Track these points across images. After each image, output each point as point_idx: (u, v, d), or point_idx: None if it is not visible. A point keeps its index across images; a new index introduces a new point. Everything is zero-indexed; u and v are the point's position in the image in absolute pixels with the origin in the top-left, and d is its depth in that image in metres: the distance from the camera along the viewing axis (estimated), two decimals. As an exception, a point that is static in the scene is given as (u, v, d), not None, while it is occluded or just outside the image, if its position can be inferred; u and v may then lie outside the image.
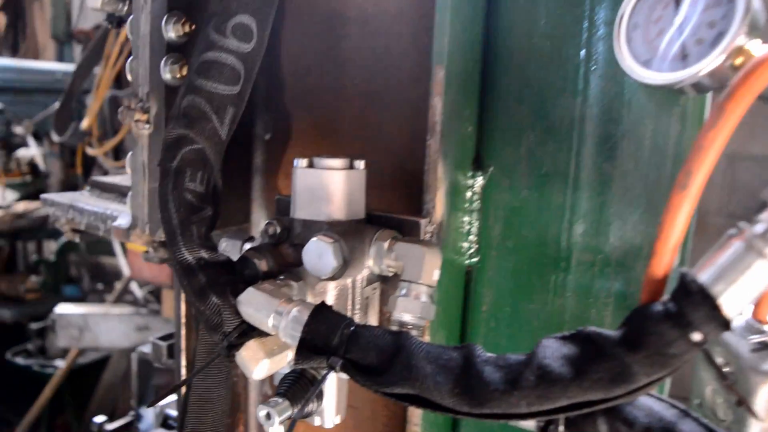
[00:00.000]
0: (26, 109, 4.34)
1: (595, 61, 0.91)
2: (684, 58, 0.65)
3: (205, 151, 0.83)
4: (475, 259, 1.00)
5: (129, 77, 1.05)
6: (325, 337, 0.69)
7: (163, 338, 1.46)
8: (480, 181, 0.98)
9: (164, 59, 0.97)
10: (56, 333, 3.32)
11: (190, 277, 0.78)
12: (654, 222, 0.92)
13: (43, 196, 1.36)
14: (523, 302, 0.99)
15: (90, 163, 3.72)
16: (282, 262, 0.85)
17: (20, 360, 4.18)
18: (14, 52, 6.03)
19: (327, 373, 0.67)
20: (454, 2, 0.86)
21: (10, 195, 4.42)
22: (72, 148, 3.95)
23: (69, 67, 4.73)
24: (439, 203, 0.89)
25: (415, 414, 0.96)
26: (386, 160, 1.08)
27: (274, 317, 0.73)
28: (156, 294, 3.52)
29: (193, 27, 0.98)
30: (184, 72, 0.98)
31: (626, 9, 0.70)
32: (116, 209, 1.24)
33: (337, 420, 0.91)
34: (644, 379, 0.60)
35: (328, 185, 0.84)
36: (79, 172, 3.70)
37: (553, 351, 0.64)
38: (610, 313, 0.96)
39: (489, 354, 0.67)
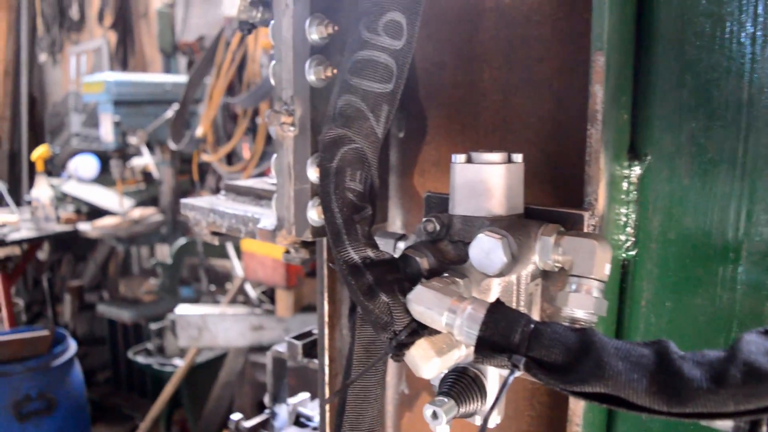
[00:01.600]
0: (139, 120, 4.59)
1: (765, 39, 0.85)
2: None
3: (363, 150, 0.84)
4: (632, 252, 0.96)
5: (272, 81, 1.08)
6: (505, 335, 0.68)
7: (297, 337, 1.49)
8: (637, 170, 0.93)
9: (308, 61, 0.98)
10: (176, 333, 3.48)
11: (357, 276, 0.78)
12: (840, 208, 0.85)
13: (183, 201, 1.42)
14: (687, 297, 0.94)
15: (204, 170, 3.89)
16: (442, 259, 0.84)
17: (141, 359, 4.43)
18: (124, 66, 6.40)
19: (511, 373, 0.66)
20: (613, -15, 0.83)
21: (127, 202, 4.69)
22: (184, 156, 4.14)
23: (176, 78, 4.96)
24: (601, 195, 0.86)
25: (577, 414, 0.92)
26: (528, 153, 1.05)
27: (447, 315, 0.72)
28: (269, 294, 3.64)
29: (336, 28, 0.99)
30: (329, 73, 0.99)
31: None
32: (255, 212, 1.28)
33: (498, 420, 0.90)
34: None
35: (488, 180, 0.82)
36: (195, 178, 3.87)
37: (759, 346, 0.60)
38: (788, 307, 0.89)
39: (681, 351, 0.64)
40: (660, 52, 0.90)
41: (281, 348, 1.53)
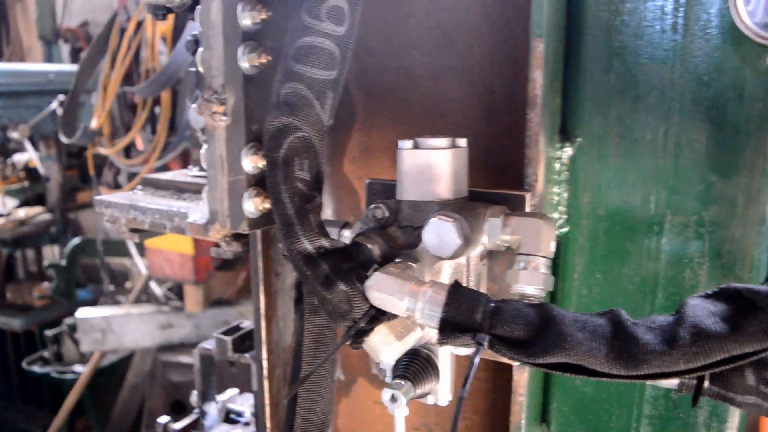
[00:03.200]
0: (20, 113, 4.26)
1: (685, 25, 0.91)
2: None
3: (310, 138, 0.82)
4: (565, 229, 1.01)
5: (200, 68, 1.03)
6: (468, 315, 0.70)
7: (226, 333, 1.46)
8: (569, 152, 0.98)
9: (241, 48, 0.95)
10: (78, 337, 3.29)
11: (313, 266, 0.77)
12: (747, 180, 0.93)
13: (98, 198, 1.34)
14: (616, 268, 1.00)
15: (99, 164, 3.68)
16: (393, 245, 0.84)
17: (37, 368, 4.15)
18: (-1, 56, 5.91)
19: (478, 351, 0.68)
20: (547, -27, 0.86)
21: (10, 202, 4.35)
22: (72, 150, 3.89)
23: (59, 67, 4.64)
24: (540, 176, 0.89)
25: (521, 384, 0.96)
26: (461, 136, 1.07)
27: (408, 300, 0.73)
28: (176, 291, 3.51)
29: (269, 13, 0.96)
30: (263, 60, 0.97)
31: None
32: (180, 206, 1.23)
33: (450, 397, 0.92)
34: (798, 330, 0.61)
35: (436, 165, 0.83)
36: (91, 172, 3.64)
37: (702, 309, 0.66)
38: (705, 273, 0.97)
39: (633, 318, 0.68)
40: (590, 39, 0.94)
41: (208, 345, 1.49)
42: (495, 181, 1.06)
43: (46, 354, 4.16)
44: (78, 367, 3.90)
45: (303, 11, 0.83)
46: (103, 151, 3.21)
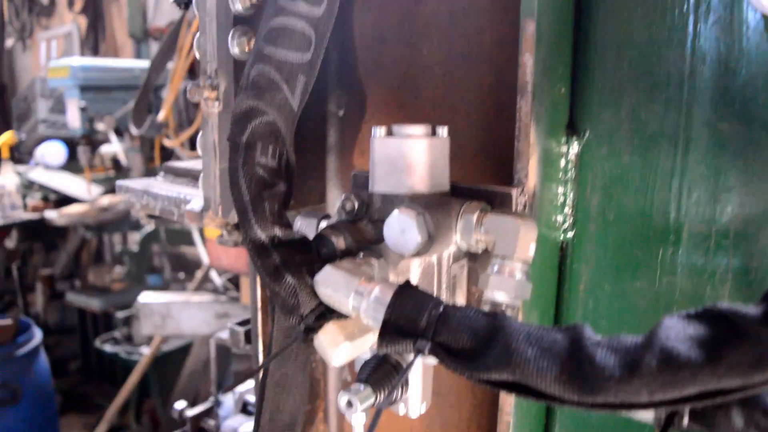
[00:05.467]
0: (107, 106, 4.48)
1: (707, 7, 0.80)
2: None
3: (276, 123, 0.78)
4: (570, 234, 0.91)
5: (197, 55, 1.02)
6: (412, 319, 0.63)
7: (241, 323, 1.44)
8: (575, 147, 0.88)
9: (231, 32, 0.92)
10: (140, 321, 3.41)
11: (264, 256, 0.73)
12: (782, 186, 0.81)
13: (119, 182, 1.35)
14: (626, 280, 0.89)
15: (168, 155, 3.80)
16: (361, 239, 0.78)
17: (108, 347, 4.35)
18: (95, 52, 6.26)
19: (414, 358, 0.61)
20: (544, -55, 0.77)
21: (96, 189, 4.58)
22: (151, 141, 4.05)
23: (146, 63, 4.85)
24: (531, 172, 0.80)
25: (508, 402, 0.88)
26: (471, 129, 1.00)
27: (354, 297, 0.67)
28: (235, 282, 3.57)
29: (261, -2, 0.93)
30: (253, 45, 0.93)
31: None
32: (189, 193, 1.22)
33: (423, 409, 0.85)
34: (793, 363, 0.51)
35: (409, 155, 0.76)
36: (157, 163, 3.78)
37: (678, 332, 0.55)
38: (728, 292, 0.84)
39: (599, 336, 0.59)
40: (599, 22, 0.85)
41: (224, 335, 1.47)
42: (503, 177, 0.98)
43: (117, 334, 4.36)
44: (145, 349, 4.05)
45: (278, -11, 0.78)
46: (167, 143, 3.32)
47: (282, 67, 0.78)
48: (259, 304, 1.15)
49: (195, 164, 1.41)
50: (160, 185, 1.32)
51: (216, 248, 2.98)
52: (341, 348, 0.70)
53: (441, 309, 0.62)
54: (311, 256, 0.73)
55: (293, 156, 0.81)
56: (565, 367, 0.56)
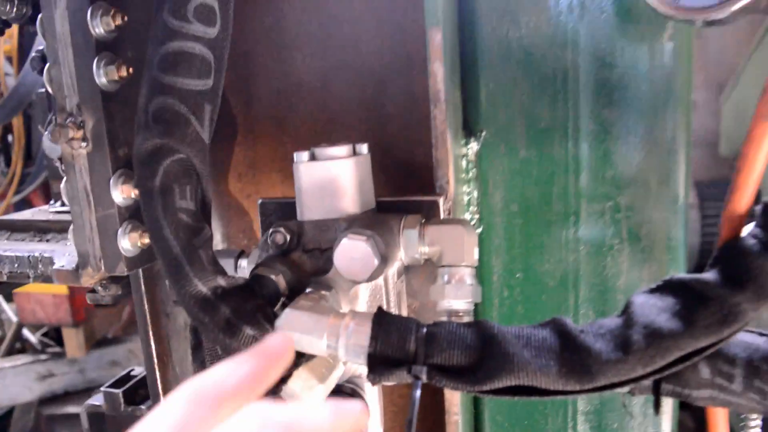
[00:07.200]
0: None
1: (582, 7, 0.87)
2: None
3: (190, 160, 0.70)
4: (479, 230, 0.94)
5: (49, 89, 0.88)
6: (399, 346, 0.61)
7: (115, 384, 1.28)
8: (474, 147, 0.92)
9: (96, 60, 0.81)
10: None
11: (210, 311, 0.65)
12: (657, 161, 0.91)
13: (-61, 250, 1.13)
14: (535, 265, 0.95)
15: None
16: (299, 273, 0.74)
17: None
18: None
19: (418, 387, 0.59)
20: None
21: None
22: None
23: None
24: (451, 177, 0.82)
25: (454, 403, 0.89)
26: (357, 141, 0.99)
27: (327, 337, 0.63)
28: (53, 336, 3.17)
29: (125, 18, 0.83)
30: (123, 73, 0.83)
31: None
32: (43, 249, 1.05)
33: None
34: (752, 315, 0.58)
35: (338, 177, 0.74)
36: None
37: (651, 306, 0.61)
38: (626, 258, 0.94)
39: (578, 325, 0.62)
40: (484, 25, 0.88)
41: (96, 401, 1.31)
42: (399, 188, 0.98)
43: None
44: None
45: (166, 12, 0.70)
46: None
47: (186, 98, 0.70)
48: (155, 360, 1.04)
49: (33, 214, 1.22)
50: (-2, 246, 1.13)
51: (28, 302, 2.63)
52: (316, 391, 0.65)
53: (425, 330, 0.61)
54: (260, 300, 0.68)
55: (210, 194, 0.74)
56: (563, 361, 0.58)
